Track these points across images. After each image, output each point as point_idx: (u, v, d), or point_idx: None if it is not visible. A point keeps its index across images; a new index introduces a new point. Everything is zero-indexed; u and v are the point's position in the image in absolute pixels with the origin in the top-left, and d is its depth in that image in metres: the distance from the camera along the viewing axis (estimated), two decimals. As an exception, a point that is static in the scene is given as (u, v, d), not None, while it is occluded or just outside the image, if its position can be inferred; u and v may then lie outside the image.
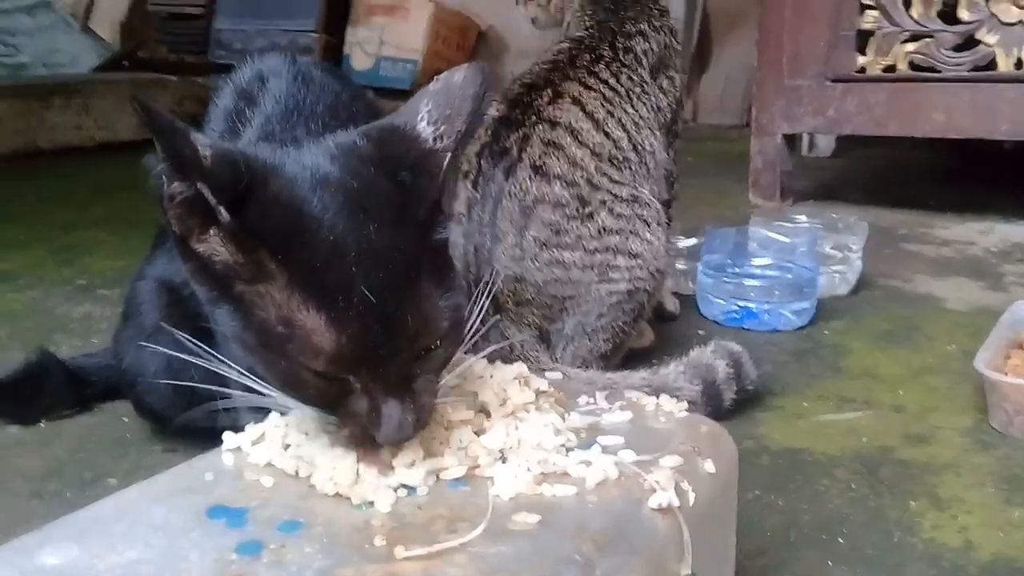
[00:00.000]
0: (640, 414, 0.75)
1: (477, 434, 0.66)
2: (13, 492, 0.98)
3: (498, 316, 1.20)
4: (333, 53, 4.83)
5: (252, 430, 0.68)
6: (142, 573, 0.53)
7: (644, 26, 1.40)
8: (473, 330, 0.70)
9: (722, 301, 1.52)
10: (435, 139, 0.66)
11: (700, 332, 1.49)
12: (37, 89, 3.15)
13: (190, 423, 0.89)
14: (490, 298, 1.19)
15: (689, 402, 1.12)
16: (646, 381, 1.14)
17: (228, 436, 0.68)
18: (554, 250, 1.20)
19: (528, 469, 0.63)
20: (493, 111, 1.29)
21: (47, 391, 1.15)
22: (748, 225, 1.68)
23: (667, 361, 1.19)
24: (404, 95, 3.60)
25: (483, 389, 0.69)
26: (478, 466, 0.64)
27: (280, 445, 0.66)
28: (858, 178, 2.96)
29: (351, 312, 0.60)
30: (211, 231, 0.61)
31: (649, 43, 1.39)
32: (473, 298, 0.71)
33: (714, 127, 4.08)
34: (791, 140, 2.42)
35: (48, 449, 1.07)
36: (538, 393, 0.71)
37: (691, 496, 0.65)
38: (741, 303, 1.50)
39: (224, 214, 0.59)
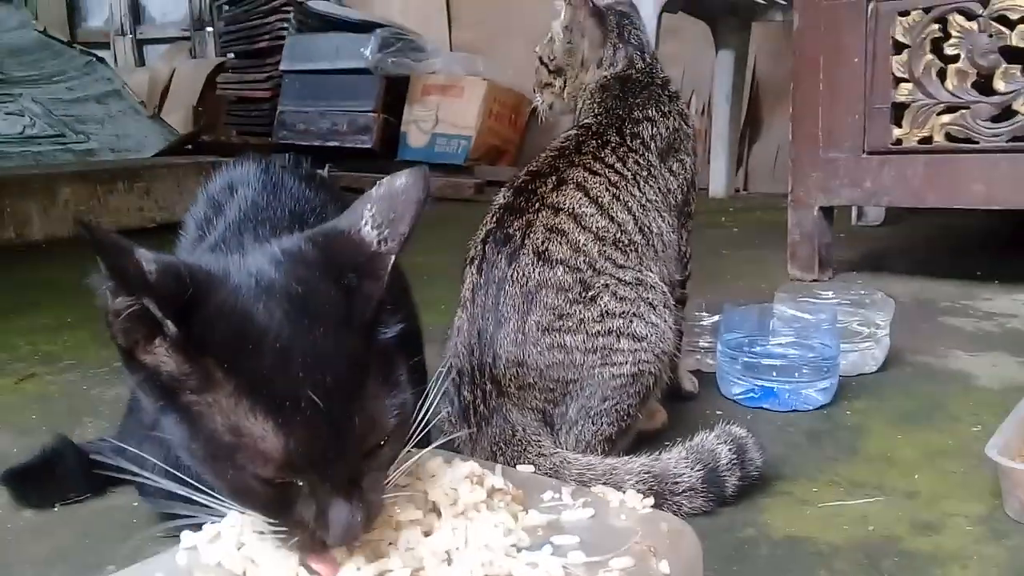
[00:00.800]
0: (602, 511, 0.75)
1: (426, 534, 0.67)
2: (18, 577, 1.01)
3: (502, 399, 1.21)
4: (391, 131, 4.98)
5: (209, 529, 0.70)
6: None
7: (652, 111, 1.41)
8: (422, 425, 0.71)
9: (741, 380, 1.50)
10: (379, 242, 0.68)
11: (718, 412, 1.47)
12: (102, 174, 3.31)
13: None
14: (492, 382, 1.22)
15: (689, 489, 1.13)
16: (646, 467, 1.13)
17: (185, 535, 0.69)
18: (556, 334, 1.20)
19: (470, 572, 0.63)
20: (499, 198, 1.32)
21: (61, 477, 1.18)
22: (769, 303, 1.66)
23: (670, 447, 1.18)
24: (458, 170, 3.70)
25: (434, 488, 0.70)
26: (423, 568, 0.65)
27: (234, 544, 0.68)
28: (906, 247, 2.91)
29: (298, 417, 0.62)
30: (156, 342, 0.63)
31: (657, 128, 1.40)
32: (424, 394, 0.72)
33: (765, 196, 4.07)
34: (830, 212, 2.39)
35: (56, 535, 1.10)
36: (492, 491, 0.71)
37: (640, 599, 0.64)
38: (760, 382, 1.48)
39: (170, 327, 0.61)
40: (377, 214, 0.69)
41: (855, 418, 1.42)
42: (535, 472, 0.85)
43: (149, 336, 0.63)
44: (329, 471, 0.63)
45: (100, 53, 4.70)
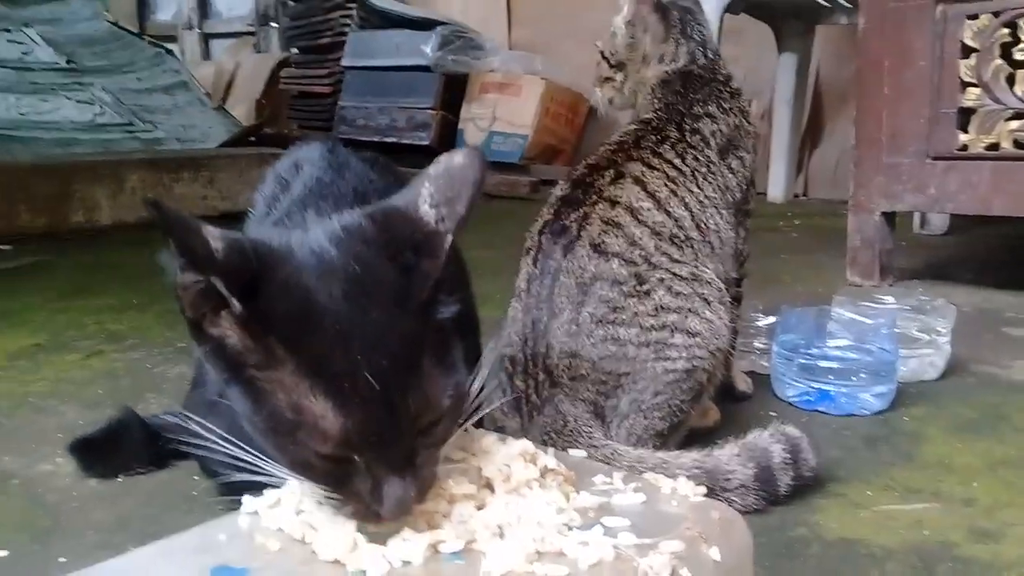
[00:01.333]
0: (653, 496, 0.75)
1: (478, 509, 0.68)
2: (83, 542, 1.04)
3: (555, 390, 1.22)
4: (449, 128, 5.02)
5: (270, 495, 0.71)
6: (138, 625, 0.57)
7: (713, 108, 1.41)
8: (475, 403, 0.72)
9: (797, 383, 1.49)
10: (437, 221, 0.69)
11: (772, 414, 1.46)
12: (168, 163, 3.40)
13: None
14: (545, 372, 1.23)
15: (741, 486, 1.13)
16: (697, 462, 1.13)
17: (247, 499, 0.72)
18: (609, 326, 1.21)
19: (523, 546, 0.64)
20: (557, 190, 1.32)
21: (126, 448, 1.22)
22: (827, 306, 1.64)
23: (723, 443, 1.17)
24: (514, 168, 3.70)
25: (488, 464, 0.71)
26: (475, 541, 0.66)
27: (293, 511, 0.70)
28: (970, 257, 2.85)
29: (356, 398, 0.63)
30: (223, 315, 0.66)
31: (718, 124, 1.40)
32: (474, 374, 0.73)
33: (825, 202, 4.01)
34: (892, 217, 2.36)
35: (120, 503, 1.14)
36: (545, 471, 0.72)
37: (689, 583, 0.64)
38: (816, 385, 1.47)
39: (236, 305, 0.64)
40: (436, 192, 0.69)
41: (913, 424, 1.40)
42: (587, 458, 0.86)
43: (215, 310, 0.66)
44: (385, 450, 0.65)
45: (167, 46, 4.80)
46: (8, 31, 4.08)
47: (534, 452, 0.73)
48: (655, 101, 1.44)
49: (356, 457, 0.65)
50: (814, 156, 4.28)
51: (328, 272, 0.66)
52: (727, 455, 1.15)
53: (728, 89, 1.45)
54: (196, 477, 1.19)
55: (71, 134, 3.59)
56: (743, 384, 1.53)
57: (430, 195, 0.69)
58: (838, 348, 1.54)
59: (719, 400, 1.42)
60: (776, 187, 4.01)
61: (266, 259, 0.66)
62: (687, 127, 1.38)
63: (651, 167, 1.31)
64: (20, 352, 1.81)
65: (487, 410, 0.74)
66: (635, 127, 1.39)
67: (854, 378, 1.45)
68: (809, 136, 4.24)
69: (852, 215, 2.36)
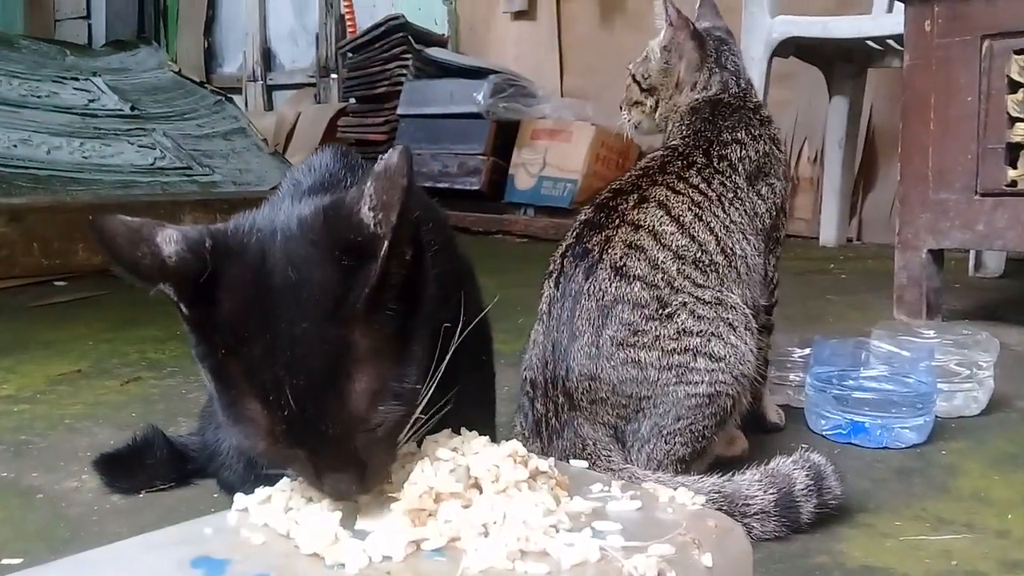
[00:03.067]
0: (650, 504, 0.74)
1: (465, 508, 0.67)
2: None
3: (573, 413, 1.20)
4: (499, 174, 5.06)
5: (260, 492, 0.72)
6: (112, 608, 0.57)
7: (741, 134, 1.40)
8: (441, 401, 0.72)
9: (830, 414, 1.45)
10: (376, 224, 0.66)
11: (804, 446, 1.41)
12: (222, 203, 3.48)
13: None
14: (565, 395, 1.22)
15: (761, 512, 1.10)
16: (716, 487, 1.10)
17: (238, 497, 0.72)
18: (630, 349, 1.19)
19: (505, 544, 0.63)
20: (581, 215, 1.32)
21: (150, 465, 1.24)
22: (865, 338, 1.60)
23: (744, 469, 1.14)
24: (564, 212, 3.72)
25: (476, 464, 0.70)
26: (459, 538, 0.65)
27: (282, 507, 0.70)
28: (1025, 299, 2.77)
29: (280, 409, 0.66)
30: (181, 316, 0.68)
31: (746, 150, 1.39)
32: (430, 374, 0.72)
33: (880, 246, 3.93)
34: (939, 255, 2.30)
35: (138, 518, 1.15)
36: (536, 473, 0.71)
37: (677, 587, 0.63)
38: (850, 416, 1.42)
39: (184, 310, 0.66)
40: (375, 195, 0.67)
41: (950, 458, 1.35)
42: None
43: (178, 313, 0.68)
44: (315, 452, 0.67)
45: (228, 95, 4.95)
46: (77, 80, 4.26)
47: (525, 454, 0.72)
48: (683, 128, 1.44)
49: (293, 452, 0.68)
50: (868, 200, 4.21)
51: (269, 275, 0.67)
52: (747, 480, 1.12)
53: (758, 116, 1.45)
54: (215, 494, 1.20)
55: (131, 176, 3.70)
56: (775, 416, 1.50)
57: (370, 196, 0.67)
58: (873, 379, 1.50)
59: (750, 432, 1.39)
60: (828, 231, 3.94)
61: (221, 255, 0.67)
62: (715, 153, 1.37)
63: (676, 192, 1.30)
64: (62, 378, 1.85)
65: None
66: (662, 153, 1.39)
67: (890, 409, 1.40)
68: (863, 180, 4.18)
69: (899, 253, 2.31)
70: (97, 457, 1.24)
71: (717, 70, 1.48)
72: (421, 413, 0.71)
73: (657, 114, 1.53)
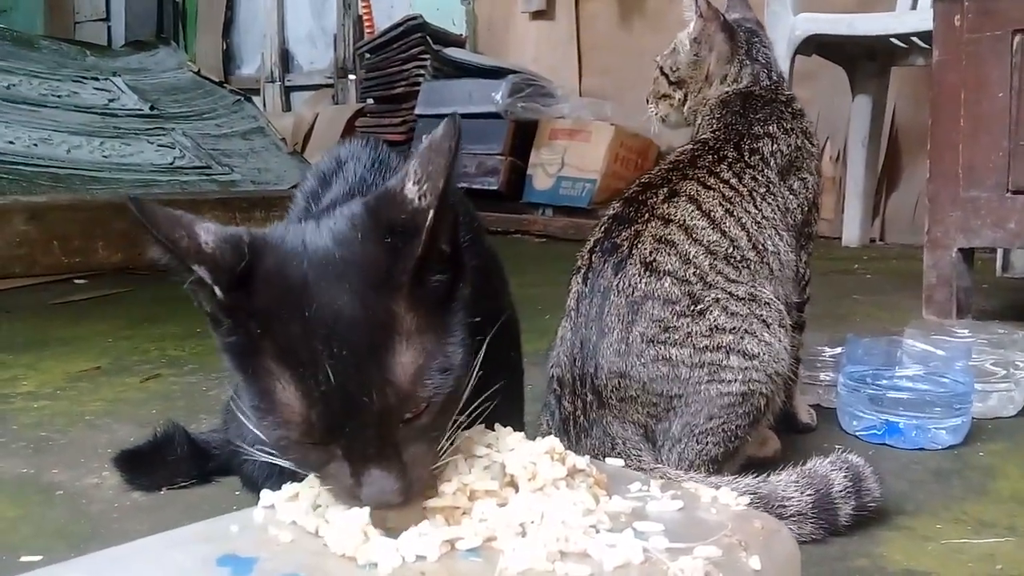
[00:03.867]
0: (692, 504, 0.71)
1: (501, 506, 0.65)
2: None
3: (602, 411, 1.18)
4: (517, 174, 5.04)
5: (288, 489, 0.69)
6: (136, 607, 0.55)
7: (773, 128, 1.37)
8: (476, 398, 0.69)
9: (864, 415, 1.42)
10: (419, 198, 0.66)
11: (837, 447, 1.37)
12: (241, 202, 3.48)
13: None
14: (594, 392, 1.19)
15: (798, 514, 1.07)
16: (751, 488, 1.07)
17: (265, 493, 0.69)
18: (661, 346, 1.16)
19: (544, 545, 0.60)
20: (610, 209, 1.29)
21: (171, 462, 1.22)
22: (899, 336, 1.56)
23: (780, 470, 1.11)
24: (582, 212, 3.69)
25: (512, 461, 0.67)
26: (495, 538, 0.62)
27: (310, 504, 0.67)
28: (1057, 300, 2.71)
29: (318, 389, 0.63)
30: (215, 303, 0.66)
31: (778, 144, 1.35)
32: (474, 365, 0.69)
33: (904, 247, 3.89)
34: (970, 254, 2.25)
35: (159, 515, 1.13)
36: (574, 470, 0.68)
37: (725, 591, 0.60)
38: (884, 417, 1.39)
39: (219, 293, 0.64)
40: (418, 168, 0.67)
41: (988, 459, 1.32)
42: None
43: (211, 300, 0.66)
44: (354, 439, 0.64)
45: (246, 95, 4.95)
46: (96, 79, 4.27)
47: (563, 451, 0.69)
48: (713, 121, 1.41)
49: (333, 446, 0.64)
50: (891, 200, 4.16)
51: (309, 260, 0.66)
52: (784, 481, 1.09)
53: (790, 110, 1.41)
54: (238, 492, 1.18)
55: (150, 176, 3.70)
56: (806, 416, 1.46)
57: (414, 172, 0.67)
58: (908, 378, 1.46)
59: (782, 432, 1.36)
60: (851, 231, 3.90)
61: (259, 250, 0.66)
62: (746, 147, 1.34)
63: (707, 186, 1.27)
64: (82, 374, 1.84)
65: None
66: (691, 147, 1.36)
67: (926, 410, 1.37)
68: (886, 180, 4.13)
69: (928, 252, 2.27)
70: (117, 454, 1.23)
71: (748, 62, 1.45)
72: (458, 415, 0.68)
73: (686, 108, 1.50)
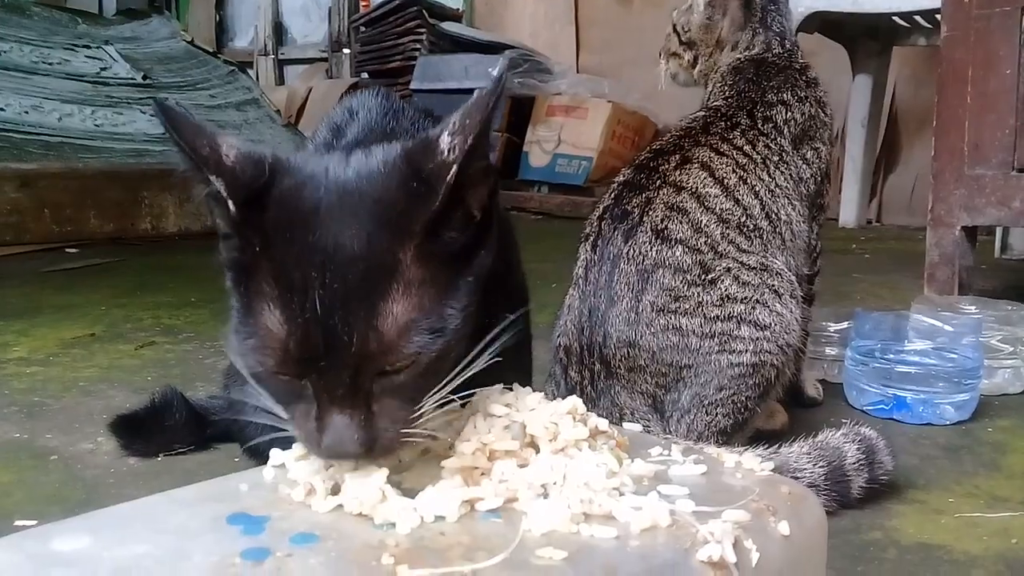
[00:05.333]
0: (715, 469, 0.69)
1: (521, 467, 0.62)
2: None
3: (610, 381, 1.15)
4: (514, 150, 5.00)
5: (298, 447, 0.67)
6: (143, 567, 0.52)
7: (787, 95, 1.34)
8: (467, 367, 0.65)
9: (871, 389, 1.40)
10: (449, 150, 0.63)
11: (844, 421, 1.35)
12: (235, 174, 3.43)
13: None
14: (602, 362, 1.17)
15: (811, 486, 1.04)
16: (763, 459, 1.05)
17: (274, 452, 0.67)
18: (671, 316, 1.14)
19: (568, 506, 0.58)
20: (620, 176, 1.27)
21: (169, 428, 1.19)
22: (907, 312, 1.55)
23: (792, 441, 1.09)
24: (578, 190, 3.67)
25: (533, 420, 0.65)
26: (516, 499, 0.60)
27: (322, 463, 0.65)
28: (1056, 281, 2.71)
29: (302, 316, 0.60)
30: (226, 216, 0.64)
31: (791, 112, 1.33)
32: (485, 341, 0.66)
33: (901, 228, 3.88)
34: (973, 233, 2.24)
35: (156, 481, 1.11)
36: (595, 432, 0.66)
37: (754, 556, 0.58)
38: (892, 391, 1.37)
39: (231, 206, 0.62)
40: (457, 120, 0.64)
41: (997, 435, 1.30)
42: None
43: (224, 214, 0.64)
44: (325, 376, 0.61)
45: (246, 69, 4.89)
46: (88, 47, 4.20)
47: (584, 412, 0.67)
48: (726, 88, 1.38)
49: (304, 382, 0.62)
50: (888, 181, 4.15)
51: (326, 187, 0.63)
52: (796, 453, 1.07)
53: (804, 78, 1.38)
54: (237, 459, 1.16)
55: (143, 145, 3.65)
56: (813, 390, 1.45)
57: (453, 123, 0.64)
58: (917, 353, 1.44)
59: (787, 405, 1.34)
60: (848, 211, 3.88)
61: (280, 171, 0.64)
62: (759, 114, 1.31)
63: (720, 153, 1.25)
64: (75, 341, 1.81)
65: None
66: (704, 114, 1.33)
67: (934, 384, 1.35)
68: (884, 161, 4.11)
69: (931, 229, 2.24)
70: (113, 419, 1.20)
71: (761, 31, 1.42)
72: (452, 394, 0.65)
73: (696, 71, 1.47)
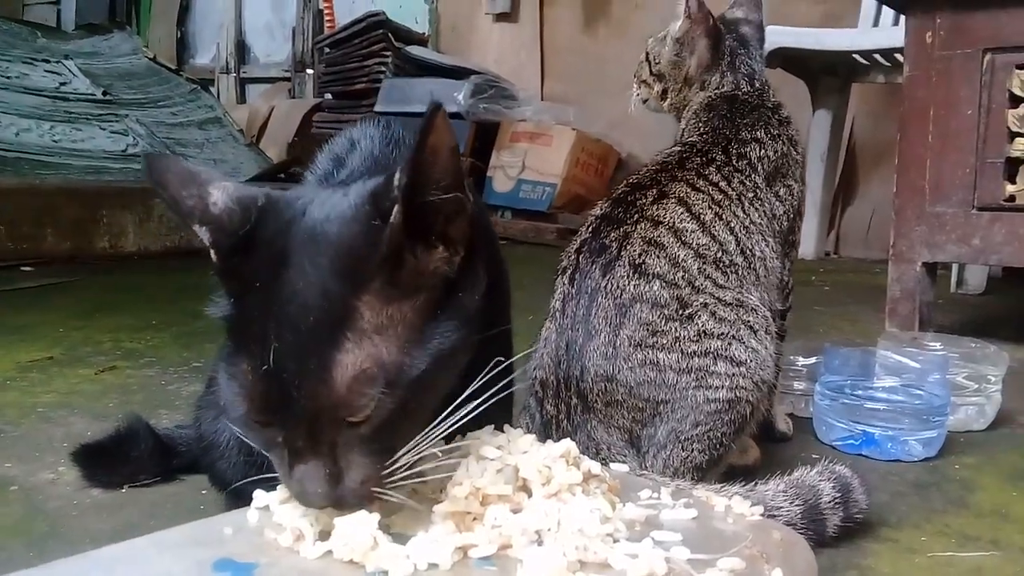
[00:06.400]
0: (706, 513, 0.68)
1: (514, 512, 0.61)
2: (80, 550, 0.95)
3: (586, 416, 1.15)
4: (478, 175, 5.00)
5: (283, 489, 0.65)
6: (128, 616, 0.50)
7: (760, 133, 1.35)
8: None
9: (840, 424, 1.41)
10: (398, 187, 0.62)
11: (814, 456, 1.36)
12: (196, 193, 3.38)
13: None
14: (579, 396, 1.16)
15: (787, 524, 1.04)
16: (741, 496, 1.05)
17: (259, 494, 0.65)
18: (649, 350, 1.14)
19: (564, 554, 0.57)
20: (596, 209, 1.27)
21: (134, 458, 1.16)
22: (874, 347, 1.56)
23: (768, 479, 1.09)
24: (542, 216, 3.67)
25: (526, 464, 0.64)
26: (510, 546, 0.59)
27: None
28: (1009, 315, 2.77)
29: (260, 369, 0.60)
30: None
31: (765, 150, 1.34)
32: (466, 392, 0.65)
33: (858, 260, 3.95)
34: (933, 269, 2.28)
35: (121, 513, 1.07)
36: (588, 476, 0.65)
37: (750, 605, 0.57)
38: (861, 427, 1.38)
39: (213, 256, 0.63)
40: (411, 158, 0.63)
41: (964, 473, 1.32)
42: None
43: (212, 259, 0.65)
44: (287, 427, 0.61)
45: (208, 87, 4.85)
46: (47, 62, 4.13)
47: (577, 455, 0.66)
48: (700, 124, 1.39)
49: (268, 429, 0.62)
50: (846, 215, 4.23)
51: (294, 233, 0.63)
52: (772, 491, 1.07)
53: (777, 116, 1.40)
54: (204, 491, 1.13)
55: (102, 162, 3.59)
56: (783, 425, 1.46)
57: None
58: (885, 390, 1.46)
59: (759, 440, 1.34)
60: (806, 244, 3.93)
61: (266, 215, 0.64)
62: (733, 151, 1.32)
63: (696, 188, 1.25)
64: (33, 364, 1.76)
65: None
66: (679, 149, 1.34)
67: (903, 420, 1.36)
68: (842, 194, 4.19)
69: (892, 265, 2.29)
70: (76, 448, 1.16)
71: (729, 73, 1.44)
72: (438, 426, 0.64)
73: (666, 103, 1.49)
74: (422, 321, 0.63)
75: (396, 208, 0.61)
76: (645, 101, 1.51)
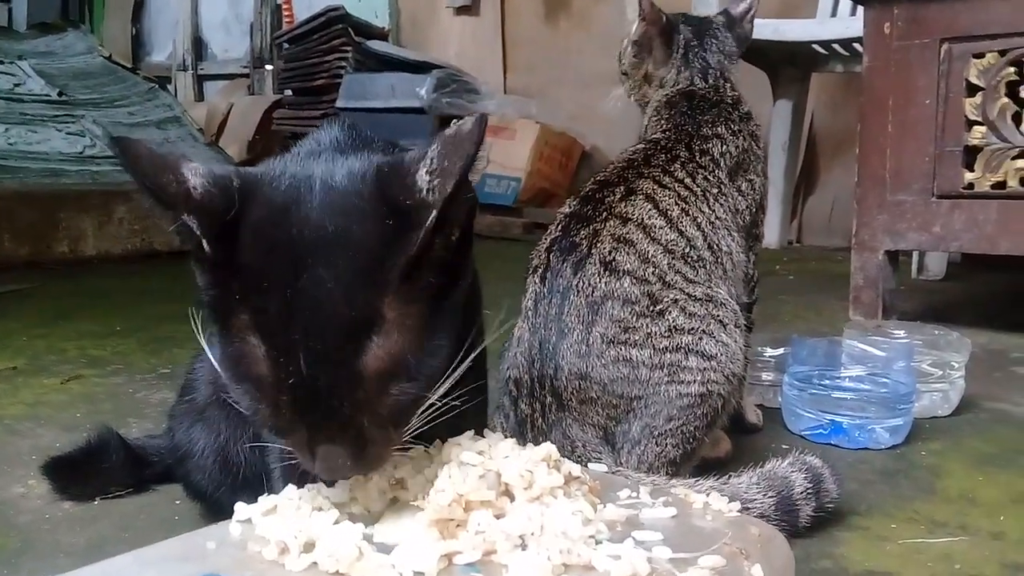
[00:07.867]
0: (685, 511, 0.69)
1: (497, 517, 0.62)
2: (54, 565, 0.96)
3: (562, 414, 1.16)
4: (441, 170, 4.98)
5: (265, 501, 0.65)
6: (114, 636, 0.50)
7: (721, 129, 1.37)
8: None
9: (809, 414, 1.43)
10: (428, 191, 0.62)
11: (784, 446, 1.39)
12: (157, 195, 3.34)
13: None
14: (553, 395, 1.17)
15: (761, 516, 1.06)
16: (715, 490, 1.06)
17: (240, 507, 0.65)
18: (621, 347, 1.15)
19: (548, 558, 0.58)
20: (565, 207, 1.27)
21: (105, 469, 1.15)
22: (840, 337, 1.59)
23: (741, 472, 1.11)
24: (507, 210, 3.68)
25: (507, 468, 0.64)
26: (494, 551, 0.59)
27: (291, 518, 0.63)
28: (970, 300, 2.82)
29: (290, 377, 0.60)
30: (200, 251, 0.62)
31: (727, 146, 1.36)
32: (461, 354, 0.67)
33: (820, 248, 4.00)
34: (895, 257, 2.32)
35: (95, 526, 1.06)
36: (569, 478, 0.66)
37: (732, 602, 0.58)
38: (829, 417, 1.41)
39: (206, 248, 0.60)
40: (436, 158, 0.62)
41: (931, 459, 1.34)
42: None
43: (196, 245, 0.62)
44: (319, 424, 0.61)
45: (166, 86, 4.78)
46: (1, 63, 4.04)
47: (558, 458, 0.67)
48: (662, 122, 1.40)
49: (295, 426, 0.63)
50: (808, 203, 4.28)
51: (299, 225, 0.62)
52: (745, 483, 1.09)
53: (737, 112, 1.42)
54: (178, 501, 1.12)
55: (59, 165, 3.52)
56: (753, 416, 1.47)
57: (431, 160, 0.62)
58: (852, 379, 1.48)
59: (730, 432, 1.36)
60: (770, 233, 3.97)
61: (249, 196, 0.62)
62: (696, 148, 1.34)
63: (662, 185, 1.26)
64: (-4, 375, 1.73)
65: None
66: (643, 146, 1.35)
67: (870, 409, 1.39)
68: (803, 183, 4.24)
69: (855, 254, 2.32)
70: (46, 461, 1.15)
71: (684, 68, 1.46)
72: (436, 403, 0.65)
73: (633, 97, 1.52)
74: (431, 315, 0.65)
75: (432, 215, 0.61)
76: (630, 97, 1.53)
